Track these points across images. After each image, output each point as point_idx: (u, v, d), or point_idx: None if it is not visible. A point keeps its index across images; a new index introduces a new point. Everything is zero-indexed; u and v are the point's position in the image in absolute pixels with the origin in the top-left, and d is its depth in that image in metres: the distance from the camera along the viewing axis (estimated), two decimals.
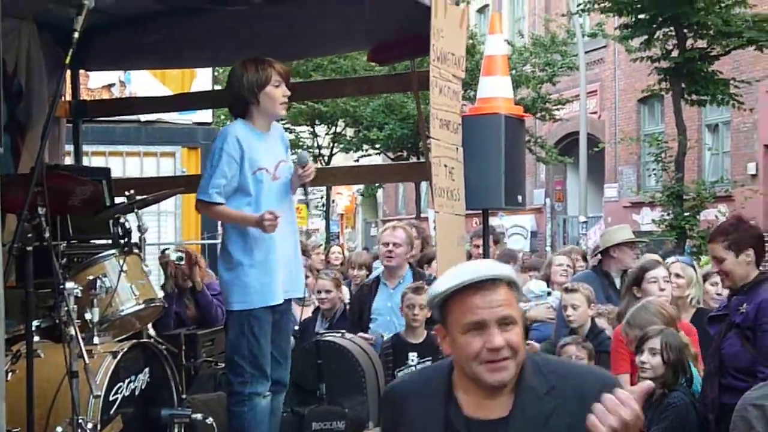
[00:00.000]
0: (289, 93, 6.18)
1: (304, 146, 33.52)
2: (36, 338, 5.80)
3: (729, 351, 6.18)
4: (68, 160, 9.67)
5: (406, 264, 8.58)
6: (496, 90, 7.87)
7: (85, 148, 10.28)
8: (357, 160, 34.23)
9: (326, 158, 33.52)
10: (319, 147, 33.71)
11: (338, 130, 32.50)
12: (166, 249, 9.11)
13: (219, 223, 6.13)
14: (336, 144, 33.41)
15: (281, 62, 6.29)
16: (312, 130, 32.62)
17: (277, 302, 6.06)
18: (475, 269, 3.24)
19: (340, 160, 37.71)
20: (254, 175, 6.01)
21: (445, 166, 7.36)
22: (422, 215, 28.29)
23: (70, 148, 9.70)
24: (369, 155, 33.34)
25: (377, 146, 31.04)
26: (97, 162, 12.45)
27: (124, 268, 6.22)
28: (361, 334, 8.14)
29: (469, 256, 9.97)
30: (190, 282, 8.57)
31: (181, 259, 8.36)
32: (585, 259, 10.59)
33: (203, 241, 13.85)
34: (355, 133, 32.00)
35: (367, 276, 10.86)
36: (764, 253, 6.38)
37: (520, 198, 7.92)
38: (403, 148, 29.60)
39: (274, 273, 6.05)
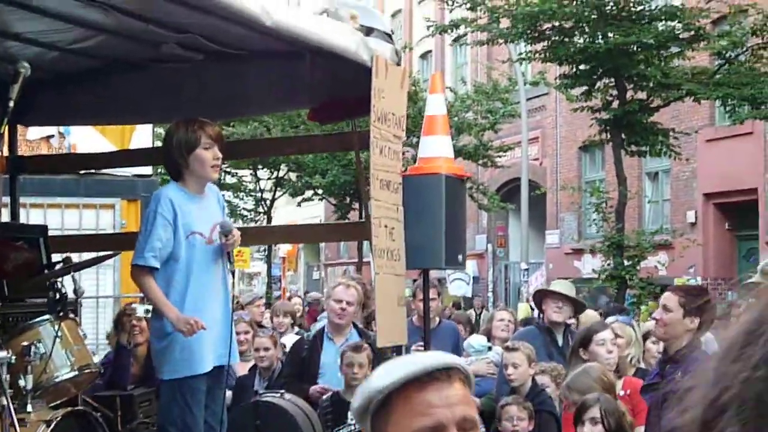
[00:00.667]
0: (220, 156, 6.13)
1: (247, 190, 33.47)
2: None
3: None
4: (5, 213, 9.55)
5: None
6: (437, 149, 7.88)
7: (23, 200, 10.15)
8: (299, 204, 34.21)
9: (268, 202, 33.44)
10: (261, 191, 33.65)
11: (281, 174, 32.46)
12: (132, 303, 8.98)
13: None
14: (279, 188, 33.36)
15: (221, 119, 6.27)
16: (254, 173, 32.56)
17: (207, 370, 5.99)
18: (424, 358, 2.55)
19: (283, 203, 37.65)
20: (187, 239, 5.96)
21: (386, 226, 7.34)
22: (364, 260, 28.26)
23: (6, 200, 9.57)
24: (311, 200, 33.34)
25: (319, 192, 31.06)
26: (35, 215, 12.30)
27: (59, 333, 6.13)
28: (314, 386, 8.11)
29: (410, 309, 9.98)
30: (142, 338, 8.48)
31: (148, 311, 8.23)
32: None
33: (142, 294, 13.72)
34: (297, 178, 32.00)
35: (292, 325, 10.84)
36: (704, 330, 6.41)
37: (460, 257, 7.93)
38: (346, 194, 29.62)
39: (204, 341, 5.97)
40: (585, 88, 18.81)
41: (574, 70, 18.78)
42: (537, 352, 8.56)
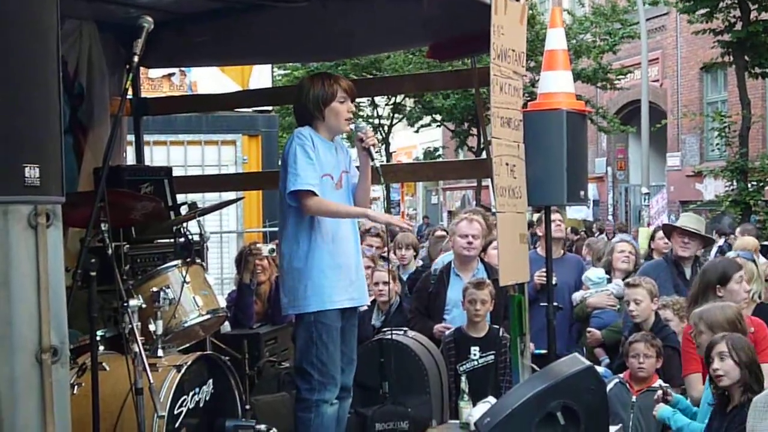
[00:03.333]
0: (353, 109, 6.19)
1: (364, 116, 33.48)
2: (101, 348, 5.85)
3: None
4: (130, 153, 9.71)
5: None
6: (558, 85, 7.78)
7: (147, 138, 10.30)
8: (417, 130, 34.15)
9: (386, 128, 33.47)
10: (379, 117, 33.64)
11: (398, 100, 32.39)
12: (257, 243, 9.07)
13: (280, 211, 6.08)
14: (396, 115, 33.33)
15: (339, 58, 6.31)
16: (372, 100, 32.53)
17: (337, 307, 6.05)
18: None
19: (400, 128, 37.64)
20: (321, 179, 6.01)
21: (507, 164, 7.29)
22: (483, 184, 28.19)
23: (131, 138, 9.72)
24: (429, 126, 33.24)
25: (439, 116, 30.91)
26: (158, 152, 12.51)
27: (187, 279, 6.24)
28: (437, 326, 8.18)
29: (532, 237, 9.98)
30: (264, 277, 8.58)
31: (273, 251, 8.31)
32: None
33: (265, 229, 13.91)
34: (415, 104, 31.89)
35: (415, 257, 10.84)
36: None
37: (582, 193, 7.84)
38: (465, 120, 29.48)
39: (335, 280, 6.04)
40: (707, 9, 18.35)
41: None
42: (663, 285, 8.49)
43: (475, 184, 30.57)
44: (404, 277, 9.70)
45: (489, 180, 7.44)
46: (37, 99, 3.23)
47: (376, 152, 6.26)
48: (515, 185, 7.40)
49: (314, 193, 5.88)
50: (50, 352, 3.92)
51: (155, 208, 6.32)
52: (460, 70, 10.15)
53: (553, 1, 31.70)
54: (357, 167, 6.39)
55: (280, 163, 6.30)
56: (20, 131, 3.16)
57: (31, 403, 3.90)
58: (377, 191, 50.19)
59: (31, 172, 3.16)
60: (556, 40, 7.99)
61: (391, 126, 33.91)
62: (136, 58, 4.91)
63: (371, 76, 24.66)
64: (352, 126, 6.25)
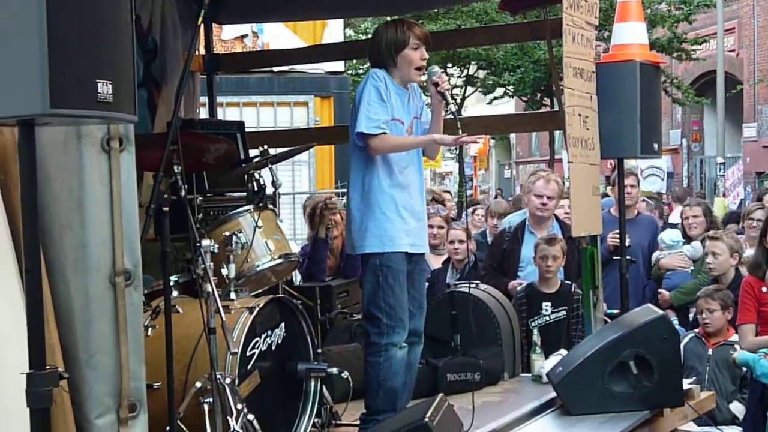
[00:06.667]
0: (426, 56, 6.13)
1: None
2: (174, 293, 5.90)
3: None
4: (203, 113, 9.77)
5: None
6: (631, 36, 7.73)
7: (220, 99, 10.37)
8: (490, 103, 34.05)
9: (459, 99, 33.39)
10: (452, 88, 33.56)
11: (470, 72, 32.28)
12: (332, 197, 9.09)
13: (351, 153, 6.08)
14: (469, 87, 33.23)
15: (412, 11, 6.26)
16: (444, 71, 32.40)
17: (401, 250, 6.04)
18: None
19: (473, 101, 37.54)
20: (391, 122, 6.00)
21: (579, 115, 7.26)
22: (556, 157, 28.05)
23: (204, 99, 9.80)
24: (502, 98, 33.12)
25: (510, 88, 30.81)
26: (231, 113, 12.60)
27: (259, 223, 6.24)
28: (512, 282, 8.18)
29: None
30: (337, 231, 8.61)
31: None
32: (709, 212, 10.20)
33: (337, 190, 13.97)
34: (486, 76, 31.77)
35: None
36: None
37: (656, 146, 7.79)
38: (536, 91, 29.34)
39: (405, 223, 6.04)
40: None
41: None
42: None
43: (548, 157, 30.39)
44: None
45: (563, 153, 7.41)
46: (109, 14, 3.24)
47: (452, 99, 6.22)
48: (588, 136, 7.36)
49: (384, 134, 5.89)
50: (123, 275, 3.97)
51: (228, 150, 6.34)
52: (532, 21, 10.06)
53: None
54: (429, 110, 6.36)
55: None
56: (93, 46, 3.17)
57: (105, 324, 3.96)
58: (448, 165, 50.22)
59: (104, 88, 3.17)
60: None
61: (463, 98, 33.78)
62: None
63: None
64: (424, 77, 6.21)
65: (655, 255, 9.54)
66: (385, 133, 5.85)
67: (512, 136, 48.45)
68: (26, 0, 3.00)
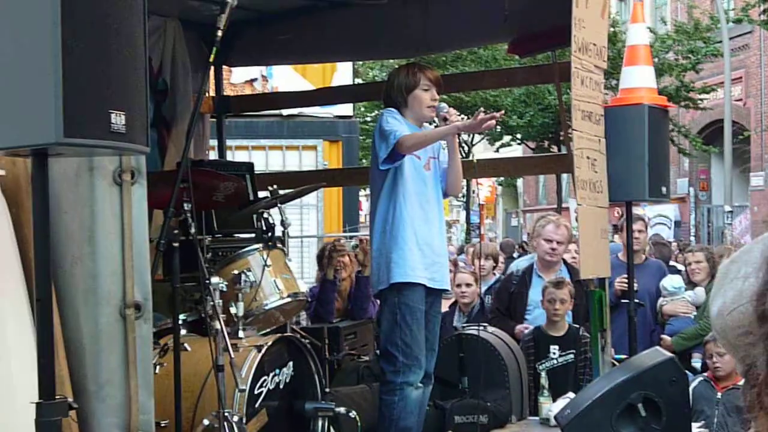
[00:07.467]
0: (437, 97, 6.21)
1: None
2: (183, 332, 5.91)
3: None
4: (212, 155, 9.81)
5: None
6: (639, 80, 7.75)
7: (229, 142, 10.42)
8: (497, 150, 34.12)
9: (466, 148, 33.43)
10: (459, 135, 33.55)
11: None
12: (341, 239, 9.14)
13: (362, 214, 6.12)
14: (476, 134, 33.29)
15: (421, 55, 6.33)
16: None
17: (418, 281, 6.06)
18: None
19: (480, 149, 37.61)
20: (408, 158, 6.05)
21: (588, 158, 7.27)
22: (563, 205, 28.06)
23: (214, 142, 9.84)
24: (510, 145, 33.17)
25: (517, 135, 30.86)
26: (240, 156, 12.63)
27: (268, 262, 6.26)
28: (519, 326, 8.16)
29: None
30: (345, 274, 8.62)
31: (356, 247, 8.37)
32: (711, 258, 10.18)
33: (345, 234, 13.97)
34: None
35: (494, 267, 10.78)
36: None
37: (664, 189, 7.78)
38: (544, 138, 29.39)
39: (426, 257, 6.07)
40: None
41: None
42: None
43: (556, 205, 30.40)
44: (482, 288, 9.51)
45: (570, 201, 7.43)
46: (124, 47, 3.26)
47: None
48: (596, 179, 7.36)
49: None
50: (134, 307, 3.98)
51: (238, 189, 6.36)
52: (541, 64, 10.09)
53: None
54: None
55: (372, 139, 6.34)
56: (107, 77, 3.19)
57: (114, 357, 3.96)
58: (454, 213, 50.17)
59: (117, 119, 3.18)
60: (637, 35, 7.96)
61: (471, 145, 33.86)
62: (219, 32, 4.94)
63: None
64: (434, 114, 6.28)
65: (659, 302, 9.52)
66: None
67: (519, 184, 48.50)
68: (42, 30, 3.02)
